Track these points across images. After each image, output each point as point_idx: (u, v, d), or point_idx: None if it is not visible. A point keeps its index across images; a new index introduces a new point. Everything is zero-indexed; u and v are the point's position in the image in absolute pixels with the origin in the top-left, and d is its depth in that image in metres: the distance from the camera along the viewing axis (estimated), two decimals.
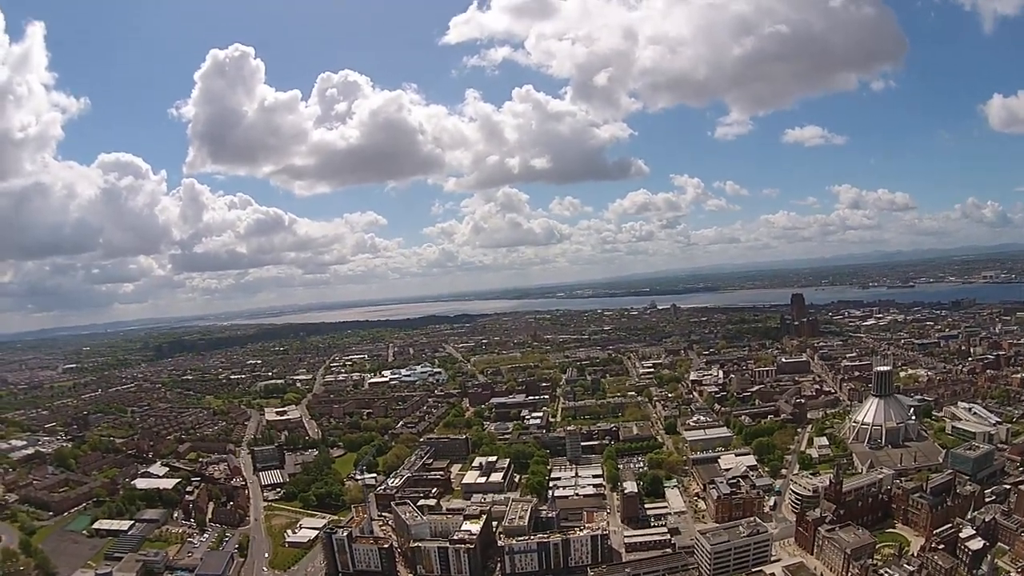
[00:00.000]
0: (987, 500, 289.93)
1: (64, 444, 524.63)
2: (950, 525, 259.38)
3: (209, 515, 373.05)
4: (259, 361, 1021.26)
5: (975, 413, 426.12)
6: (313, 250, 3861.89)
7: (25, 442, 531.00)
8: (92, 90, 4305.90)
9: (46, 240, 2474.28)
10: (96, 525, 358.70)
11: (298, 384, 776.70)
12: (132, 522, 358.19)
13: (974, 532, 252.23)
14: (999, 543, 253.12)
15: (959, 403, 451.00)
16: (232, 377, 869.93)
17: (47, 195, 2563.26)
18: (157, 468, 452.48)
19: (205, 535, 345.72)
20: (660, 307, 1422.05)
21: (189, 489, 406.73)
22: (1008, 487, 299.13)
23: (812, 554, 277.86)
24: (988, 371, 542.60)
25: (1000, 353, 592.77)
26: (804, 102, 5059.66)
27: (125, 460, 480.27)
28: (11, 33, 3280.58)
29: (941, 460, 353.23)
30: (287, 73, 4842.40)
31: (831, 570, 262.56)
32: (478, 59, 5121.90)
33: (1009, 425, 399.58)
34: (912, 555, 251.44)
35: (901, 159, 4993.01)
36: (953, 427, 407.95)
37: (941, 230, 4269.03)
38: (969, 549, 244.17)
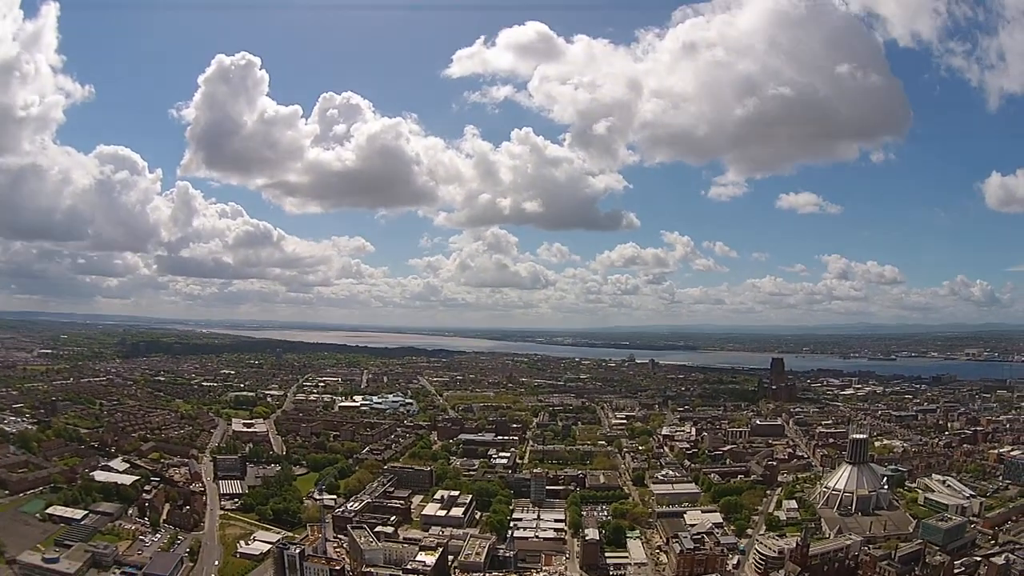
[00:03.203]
0: (957, 572, 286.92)
1: (29, 427, 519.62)
2: None
3: (164, 516, 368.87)
4: (233, 372, 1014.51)
5: (949, 486, 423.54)
6: (299, 268, 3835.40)
7: None
8: (98, 79, 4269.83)
9: (37, 223, 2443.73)
10: (50, 510, 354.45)
11: (269, 399, 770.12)
12: (86, 512, 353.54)
13: None
14: None
15: (933, 475, 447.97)
16: (204, 384, 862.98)
17: (42, 178, 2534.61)
18: (118, 463, 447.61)
19: (157, 535, 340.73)
20: (639, 361, 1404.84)
21: (147, 488, 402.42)
22: (979, 559, 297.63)
23: None
24: (965, 445, 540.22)
25: (978, 429, 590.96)
26: (802, 168, 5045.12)
27: (87, 451, 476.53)
28: (26, 10, 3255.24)
29: (911, 530, 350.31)
30: (290, 88, 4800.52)
31: None
32: (479, 95, 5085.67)
33: (983, 499, 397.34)
34: None
35: (894, 232, 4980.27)
36: (926, 498, 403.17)
37: (928, 306, 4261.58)
38: None
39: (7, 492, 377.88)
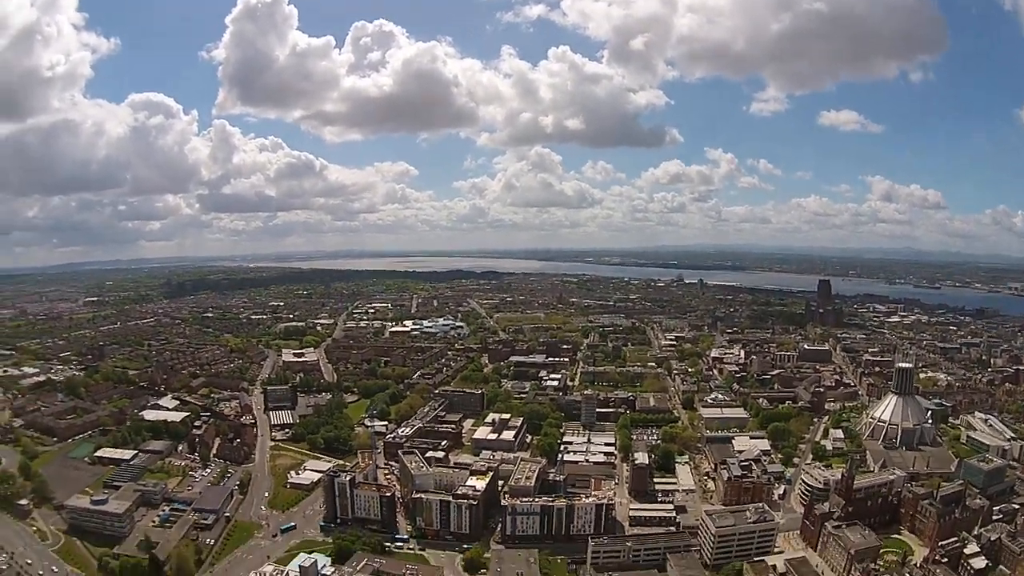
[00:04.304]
0: (995, 518, 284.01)
1: (76, 373, 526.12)
2: (955, 539, 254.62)
3: (214, 451, 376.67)
4: (282, 303, 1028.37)
5: (991, 425, 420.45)
6: (343, 197, 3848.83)
7: (37, 369, 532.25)
8: (123, 30, 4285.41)
9: (73, 176, 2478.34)
10: (99, 453, 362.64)
11: (318, 328, 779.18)
12: (135, 452, 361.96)
13: (979, 550, 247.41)
14: (1000, 565, 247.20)
15: (976, 413, 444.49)
16: (253, 317, 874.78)
17: (75, 132, 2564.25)
18: (167, 401, 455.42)
19: (208, 470, 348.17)
20: (687, 281, 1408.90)
21: (197, 424, 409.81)
22: (1017, 507, 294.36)
23: (815, 550, 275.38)
24: (1007, 384, 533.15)
25: (1020, 368, 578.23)
26: (841, 85, 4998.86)
27: (136, 392, 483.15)
28: None
29: (953, 469, 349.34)
30: (321, 20, 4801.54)
31: (832, 569, 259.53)
32: (513, 15, 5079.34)
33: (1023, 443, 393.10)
34: (915, 565, 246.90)
35: (934, 155, 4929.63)
36: (968, 437, 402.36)
37: (971, 234, 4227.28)
38: (972, 567, 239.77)
39: (55, 439, 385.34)
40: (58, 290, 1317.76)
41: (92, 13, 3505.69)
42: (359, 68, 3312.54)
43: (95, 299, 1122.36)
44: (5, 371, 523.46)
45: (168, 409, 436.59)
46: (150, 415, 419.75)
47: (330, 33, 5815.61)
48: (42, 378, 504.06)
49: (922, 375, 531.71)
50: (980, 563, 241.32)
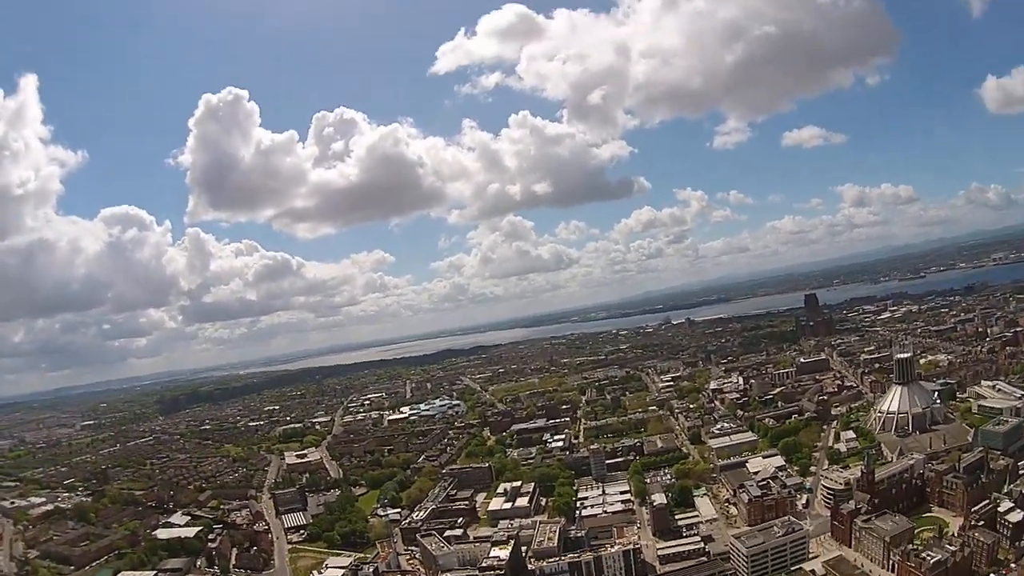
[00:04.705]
0: (1021, 472, 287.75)
1: (84, 499, 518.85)
2: (987, 501, 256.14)
3: (233, 561, 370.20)
4: (277, 407, 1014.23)
5: (999, 390, 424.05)
6: (323, 293, 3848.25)
7: (44, 499, 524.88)
8: (89, 142, 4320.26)
9: (54, 297, 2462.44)
10: None
11: (317, 427, 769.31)
12: (155, 572, 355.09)
13: (1012, 505, 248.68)
14: None
15: (982, 382, 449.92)
16: (250, 424, 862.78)
17: (51, 251, 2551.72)
18: (178, 518, 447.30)
19: None
20: (674, 322, 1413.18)
21: (211, 536, 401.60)
22: None
23: (850, 547, 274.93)
24: (1008, 348, 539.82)
25: (1018, 330, 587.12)
26: (801, 103, 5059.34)
27: (146, 512, 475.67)
28: (4, 86, 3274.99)
29: (970, 439, 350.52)
30: (282, 114, 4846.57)
31: (871, 560, 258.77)
32: (470, 87, 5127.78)
33: None
34: (952, 535, 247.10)
35: (901, 152, 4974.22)
36: (979, 406, 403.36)
37: (947, 218, 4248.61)
38: (1009, 522, 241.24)
39: (73, 567, 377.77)
40: (54, 416, 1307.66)
41: (58, 125, 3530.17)
42: (324, 159, 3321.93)
43: (92, 422, 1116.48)
44: (13, 503, 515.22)
45: (180, 526, 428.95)
46: (163, 533, 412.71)
47: (292, 126, 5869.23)
48: (50, 507, 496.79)
49: (922, 360, 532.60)
50: (1016, 516, 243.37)
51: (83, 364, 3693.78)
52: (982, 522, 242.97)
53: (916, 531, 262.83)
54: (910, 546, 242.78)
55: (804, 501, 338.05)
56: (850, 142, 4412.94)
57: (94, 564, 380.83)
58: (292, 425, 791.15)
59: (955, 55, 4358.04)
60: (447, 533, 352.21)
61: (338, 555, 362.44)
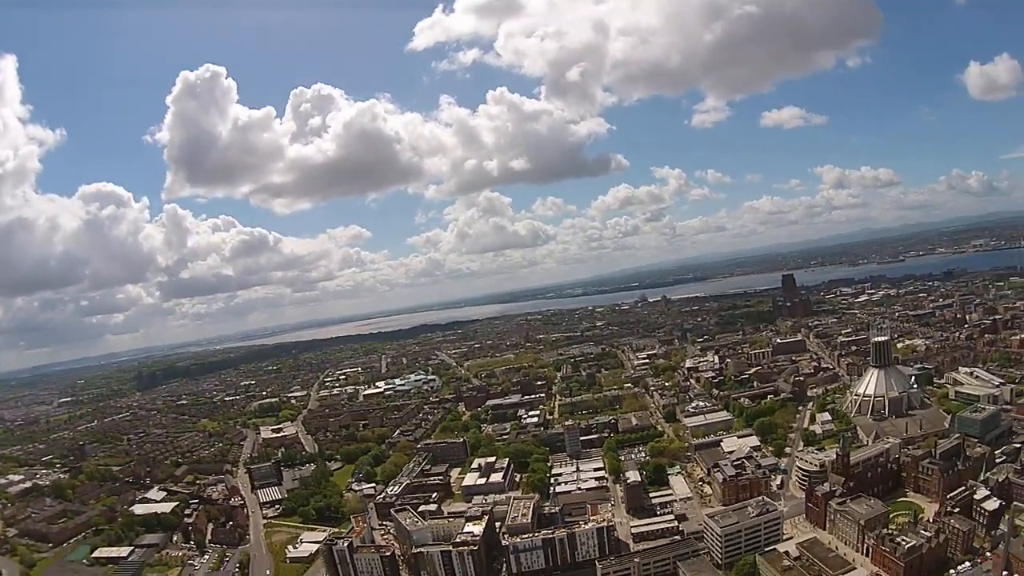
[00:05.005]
0: (998, 460, 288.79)
1: (61, 476, 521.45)
2: (963, 488, 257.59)
3: (209, 536, 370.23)
4: (253, 382, 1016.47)
5: (977, 377, 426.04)
6: (300, 268, 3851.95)
7: (22, 476, 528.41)
8: (67, 121, 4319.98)
9: (33, 275, 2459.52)
10: (96, 553, 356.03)
11: (293, 401, 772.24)
12: (132, 548, 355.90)
13: (989, 493, 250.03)
14: (1015, 502, 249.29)
15: (960, 369, 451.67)
16: (227, 399, 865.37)
17: (30, 229, 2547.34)
18: (155, 493, 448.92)
19: (205, 557, 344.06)
20: (651, 300, 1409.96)
21: (187, 512, 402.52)
22: (1018, 446, 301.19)
23: (824, 529, 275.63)
24: (986, 336, 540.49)
25: (997, 317, 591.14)
26: (781, 83, 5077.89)
27: (122, 487, 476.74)
28: None
29: (947, 425, 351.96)
30: (260, 90, 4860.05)
31: (845, 543, 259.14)
32: (448, 63, 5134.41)
33: (1013, 386, 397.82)
34: (927, 521, 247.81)
35: (883, 135, 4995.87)
36: (956, 392, 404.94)
37: (928, 203, 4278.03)
38: (985, 510, 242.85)
39: (51, 544, 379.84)
40: (32, 393, 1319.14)
41: (36, 105, 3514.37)
42: (301, 135, 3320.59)
43: (69, 399, 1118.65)
44: None
45: (157, 501, 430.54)
46: (140, 509, 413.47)
47: (270, 102, 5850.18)
48: (28, 484, 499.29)
49: (900, 345, 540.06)
50: (993, 504, 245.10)
51: (61, 341, 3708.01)
52: (958, 509, 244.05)
53: (891, 515, 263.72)
54: (885, 530, 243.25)
55: (779, 482, 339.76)
56: (830, 123, 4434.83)
57: (72, 541, 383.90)
58: (268, 400, 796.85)
59: (938, 40, 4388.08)
60: (421, 508, 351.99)
61: (313, 530, 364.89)
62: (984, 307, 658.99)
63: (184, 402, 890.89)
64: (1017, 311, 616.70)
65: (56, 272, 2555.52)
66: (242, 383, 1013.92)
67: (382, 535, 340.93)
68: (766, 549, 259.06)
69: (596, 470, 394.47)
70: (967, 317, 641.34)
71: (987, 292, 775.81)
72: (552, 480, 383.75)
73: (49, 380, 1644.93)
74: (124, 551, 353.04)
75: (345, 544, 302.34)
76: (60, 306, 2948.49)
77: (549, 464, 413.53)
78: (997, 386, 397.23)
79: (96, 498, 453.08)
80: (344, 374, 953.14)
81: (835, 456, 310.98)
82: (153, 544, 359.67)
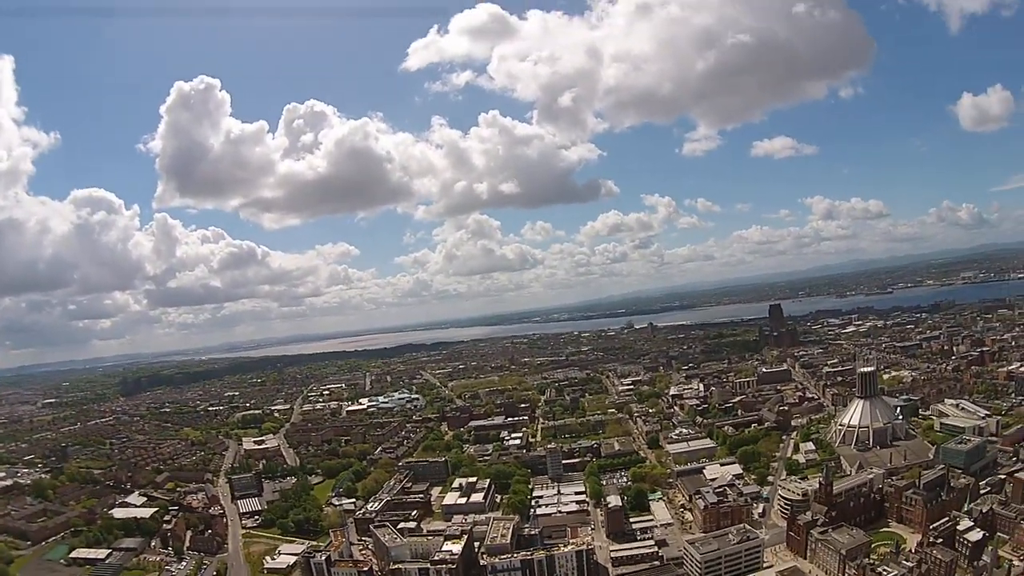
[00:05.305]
0: (982, 492, 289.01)
1: (42, 476, 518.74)
2: (947, 519, 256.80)
3: (187, 543, 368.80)
4: (237, 393, 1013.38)
5: (963, 409, 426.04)
6: (287, 283, 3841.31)
7: (3, 474, 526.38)
8: (62, 124, 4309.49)
9: (21, 276, 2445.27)
10: (74, 554, 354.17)
11: (276, 414, 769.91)
12: (109, 551, 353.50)
13: (972, 524, 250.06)
14: (998, 533, 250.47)
15: (946, 400, 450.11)
16: (210, 409, 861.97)
17: (21, 231, 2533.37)
18: (135, 498, 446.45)
19: (183, 563, 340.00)
20: (637, 326, 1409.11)
21: (167, 518, 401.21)
22: (1003, 477, 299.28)
23: (805, 558, 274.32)
24: (973, 367, 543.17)
25: (984, 349, 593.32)
26: (772, 113, 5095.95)
27: (103, 491, 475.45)
28: None
29: (931, 457, 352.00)
30: (254, 104, 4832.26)
31: (826, 572, 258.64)
32: (441, 85, 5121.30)
33: (999, 417, 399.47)
34: (910, 551, 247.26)
35: (873, 166, 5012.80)
36: (942, 423, 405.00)
37: (917, 235, 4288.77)
38: (968, 541, 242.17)
39: (29, 543, 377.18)
40: (16, 393, 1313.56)
41: (32, 106, 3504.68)
42: (293, 151, 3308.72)
43: (54, 401, 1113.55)
44: None
45: (136, 506, 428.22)
46: (119, 513, 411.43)
47: (263, 117, 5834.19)
48: (9, 482, 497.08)
49: (886, 376, 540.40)
50: (976, 535, 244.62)
51: (47, 343, 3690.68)
52: (940, 540, 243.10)
53: (873, 546, 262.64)
54: (866, 560, 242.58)
55: (760, 510, 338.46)
56: (821, 154, 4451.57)
57: (50, 540, 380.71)
58: (251, 411, 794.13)
59: (931, 70, 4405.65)
60: (401, 525, 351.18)
61: (291, 542, 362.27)
62: (971, 339, 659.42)
63: (168, 410, 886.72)
64: (1004, 343, 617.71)
65: (45, 274, 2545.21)
66: (226, 394, 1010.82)
67: (360, 550, 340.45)
68: None
69: (577, 493, 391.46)
70: (954, 349, 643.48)
71: (975, 324, 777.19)
72: (532, 502, 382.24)
73: (34, 381, 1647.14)
74: (102, 553, 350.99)
75: (323, 557, 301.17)
76: (48, 308, 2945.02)
77: (530, 486, 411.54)
78: (983, 418, 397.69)
79: (76, 500, 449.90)
80: (328, 390, 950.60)
81: (818, 485, 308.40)
82: (131, 548, 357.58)
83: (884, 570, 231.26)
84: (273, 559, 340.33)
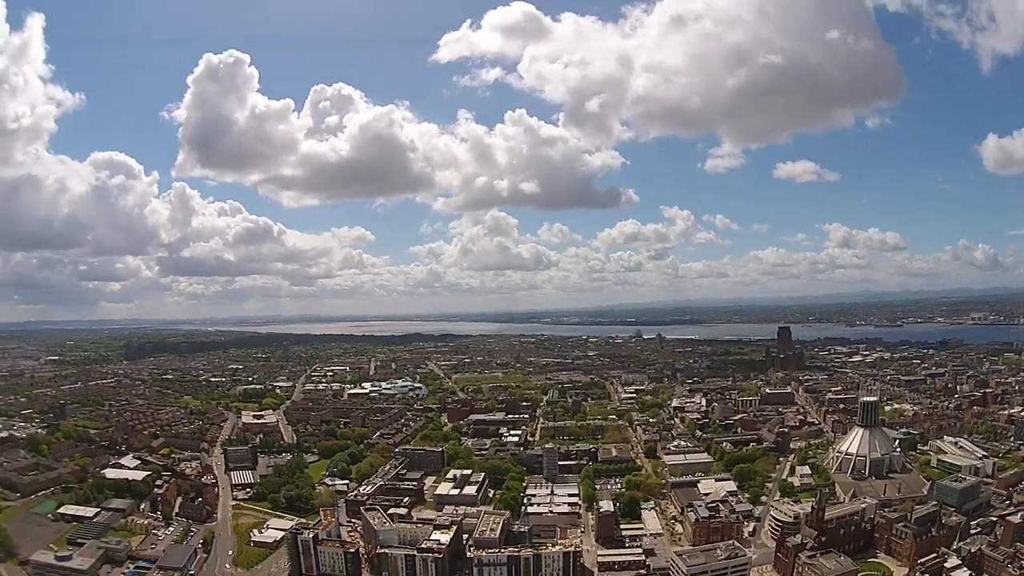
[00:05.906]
0: (973, 531, 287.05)
1: (38, 431, 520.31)
2: (935, 555, 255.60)
3: (176, 509, 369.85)
4: (240, 366, 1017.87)
5: (961, 447, 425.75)
6: (300, 262, 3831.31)
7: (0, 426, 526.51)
8: (88, 86, 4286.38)
9: (36, 233, 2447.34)
10: (62, 510, 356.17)
11: (277, 390, 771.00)
12: (98, 510, 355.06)
13: (960, 563, 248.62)
14: (984, 574, 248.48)
15: (945, 437, 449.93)
16: (212, 379, 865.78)
17: (38, 188, 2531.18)
18: (129, 460, 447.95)
19: (170, 528, 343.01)
20: (645, 336, 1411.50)
21: (159, 483, 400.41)
22: (995, 519, 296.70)
23: None
24: (975, 407, 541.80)
25: (987, 391, 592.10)
26: (797, 136, 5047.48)
27: (97, 450, 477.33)
28: (12, 22, 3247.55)
29: (926, 492, 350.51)
30: (281, 82, 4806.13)
31: None
32: (470, 79, 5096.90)
33: (996, 459, 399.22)
34: None
35: (894, 198, 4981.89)
36: (939, 460, 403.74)
37: (931, 272, 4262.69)
38: None
39: (19, 495, 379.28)
40: (20, 347, 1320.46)
41: (60, 65, 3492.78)
42: (317, 132, 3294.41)
43: (57, 358, 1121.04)
44: None
45: (129, 468, 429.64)
46: (112, 473, 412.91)
47: (289, 96, 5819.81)
48: (4, 434, 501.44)
49: (888, 407, 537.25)
50: (963, 574, 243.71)
51: (55, 301, 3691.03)
52: (927, 575, 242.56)
53: (859, 574, 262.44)
54: None
55: (751, 529, 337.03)
56: (843, 181, 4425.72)
57: (40, 494, 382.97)
58: (253, 386, 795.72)
59: (959, 109, 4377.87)
60: (391, 511, 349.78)
61: (281, 517, 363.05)
62: (976, 379, 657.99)
63: (170, 377, 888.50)
64: (1008, 386, 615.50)
65: (59, 233, 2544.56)
66: (230, 366, 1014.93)
67: (349, 532, 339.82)
68: None
69: (570, 495, 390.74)
70: (958, 387, 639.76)
71: (980, 365, 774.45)
72: (525, 500, 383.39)
73: (39, 337, 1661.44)
74: (91, 511, 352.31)
75: (311, 535, 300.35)
76: (59, 267, 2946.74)
77: (524, 484, 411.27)
78: (980, 458, 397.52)
79: (70, 457, 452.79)
80: (332, 371, 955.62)
81: (811, 509, 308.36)
82: (120, 509, 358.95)
83: None
84: (261, 532, 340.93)
